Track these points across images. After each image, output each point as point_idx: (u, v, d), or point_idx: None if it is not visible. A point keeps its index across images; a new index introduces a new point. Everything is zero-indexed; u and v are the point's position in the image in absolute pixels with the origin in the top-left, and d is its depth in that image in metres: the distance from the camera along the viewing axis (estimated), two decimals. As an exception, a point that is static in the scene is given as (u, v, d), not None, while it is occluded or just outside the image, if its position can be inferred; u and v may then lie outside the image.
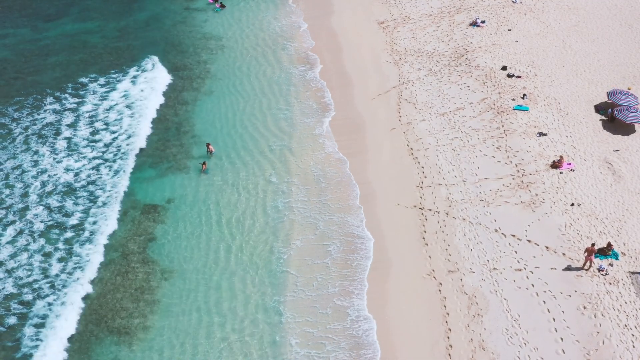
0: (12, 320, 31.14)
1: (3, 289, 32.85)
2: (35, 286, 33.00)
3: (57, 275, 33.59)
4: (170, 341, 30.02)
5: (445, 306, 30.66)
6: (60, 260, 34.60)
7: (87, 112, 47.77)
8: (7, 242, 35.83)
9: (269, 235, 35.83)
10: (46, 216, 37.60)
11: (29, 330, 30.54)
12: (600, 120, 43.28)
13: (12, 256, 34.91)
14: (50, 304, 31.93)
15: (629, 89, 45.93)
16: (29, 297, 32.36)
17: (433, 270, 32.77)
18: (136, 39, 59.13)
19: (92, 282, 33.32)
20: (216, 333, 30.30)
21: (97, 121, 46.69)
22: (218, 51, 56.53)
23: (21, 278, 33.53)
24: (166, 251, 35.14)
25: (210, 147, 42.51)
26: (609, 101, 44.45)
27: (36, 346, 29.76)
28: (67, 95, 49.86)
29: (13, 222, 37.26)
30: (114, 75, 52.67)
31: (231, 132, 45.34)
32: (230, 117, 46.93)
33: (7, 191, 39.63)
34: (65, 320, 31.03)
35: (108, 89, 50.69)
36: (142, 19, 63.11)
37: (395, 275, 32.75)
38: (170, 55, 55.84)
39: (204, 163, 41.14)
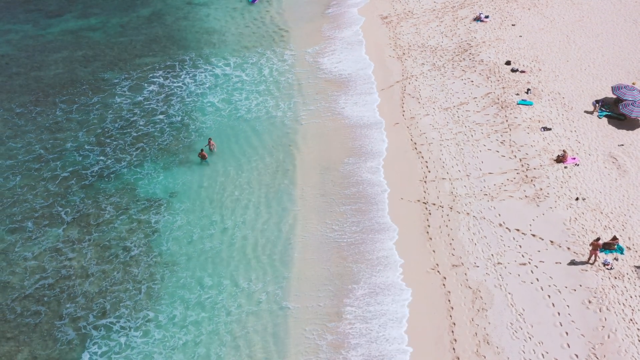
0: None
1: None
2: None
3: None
4: (174, 334, 29.96)
5: (449, 300, 30.51)
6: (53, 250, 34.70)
7: (90, 107, 47.77)
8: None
9: (272, 229, 35.77)
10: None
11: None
12: (606, 116, 43.07)
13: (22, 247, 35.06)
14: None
15: (633, 83, 45.70)
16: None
17: (437, 265, 32.63)
18: (139, 34, 59.01)
19: (92, 276, 33.31)
20: (218, 328, 30.22)
21: (100, 116, 46.68)
22: (221, 46, 56.41)
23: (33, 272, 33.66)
24: (169, 244, 35.08)
25: (212, 142, 42.36)
26: (614, 96, 44.21)
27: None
28: (70, 91, 49.83)
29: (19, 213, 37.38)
30: (118, 71, 52.63)
31: (233, 125, 45.24)
32: (232, 111, 46.81)
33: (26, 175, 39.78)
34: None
35: (111, 85, 50.64)
36: (144, 15, 63.00)
37: (399, 269, 32.60)
38: (172, 51, 55.75)
39: (202, 150, 41.27)
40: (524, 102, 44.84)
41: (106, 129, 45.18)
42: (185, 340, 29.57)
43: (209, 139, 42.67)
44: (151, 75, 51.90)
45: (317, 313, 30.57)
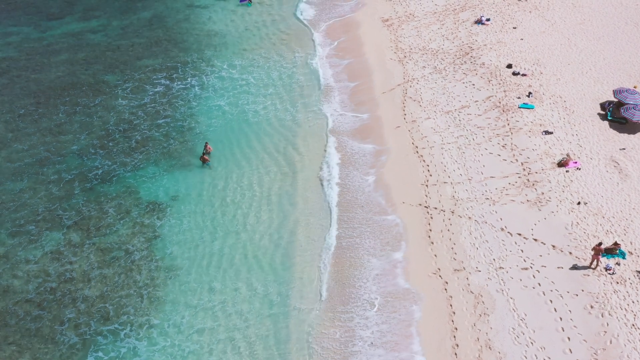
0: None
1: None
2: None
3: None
4: (177, 341, 29.94)
5: (451, 305, 30.50)
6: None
7: (90, 110, 47.75)
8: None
9: (274, 232, 35.79)
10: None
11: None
12: (608, 120, 43.04)
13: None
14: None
15: (635, 87, 45.68)
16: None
17: (439, 269, 32.62)
18: (140, 37, 59.02)
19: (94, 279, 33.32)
20: (220, 334, 30.20)
21: (103, 119, 46.67)
22: (222, 48, 56.44)
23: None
24: (172, 248, 35.07)
25: (209, 146, 42.18)
26: (615, 99, 44.21)
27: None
28: (72, 93, 49.83)
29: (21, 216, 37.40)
30: (120, 74, 52.64)
31: (235, 129, 45.23)
32: (233, 115, 46.81)
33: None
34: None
35: (113, 88, 50.64)
36: (145, 17, 63.01)
37: (402, 273, 32.60)
38: (173, 53, 55.78)
39: (203, 154, 41.27)
40: (525, 106, 44.85)
41: (110, 131, 45.09)
42: (189, 348, 29.46)
43: (206, 142, 42.59)
44: (153, 77, 51.89)
45: (320, 317, 30.58)
